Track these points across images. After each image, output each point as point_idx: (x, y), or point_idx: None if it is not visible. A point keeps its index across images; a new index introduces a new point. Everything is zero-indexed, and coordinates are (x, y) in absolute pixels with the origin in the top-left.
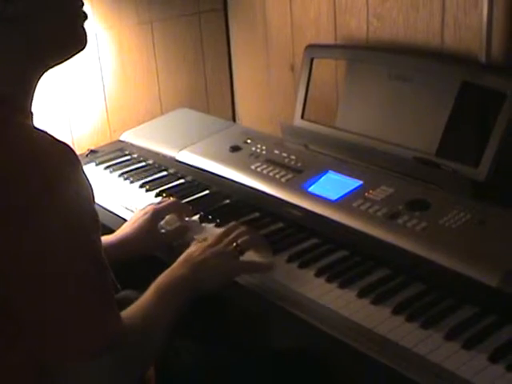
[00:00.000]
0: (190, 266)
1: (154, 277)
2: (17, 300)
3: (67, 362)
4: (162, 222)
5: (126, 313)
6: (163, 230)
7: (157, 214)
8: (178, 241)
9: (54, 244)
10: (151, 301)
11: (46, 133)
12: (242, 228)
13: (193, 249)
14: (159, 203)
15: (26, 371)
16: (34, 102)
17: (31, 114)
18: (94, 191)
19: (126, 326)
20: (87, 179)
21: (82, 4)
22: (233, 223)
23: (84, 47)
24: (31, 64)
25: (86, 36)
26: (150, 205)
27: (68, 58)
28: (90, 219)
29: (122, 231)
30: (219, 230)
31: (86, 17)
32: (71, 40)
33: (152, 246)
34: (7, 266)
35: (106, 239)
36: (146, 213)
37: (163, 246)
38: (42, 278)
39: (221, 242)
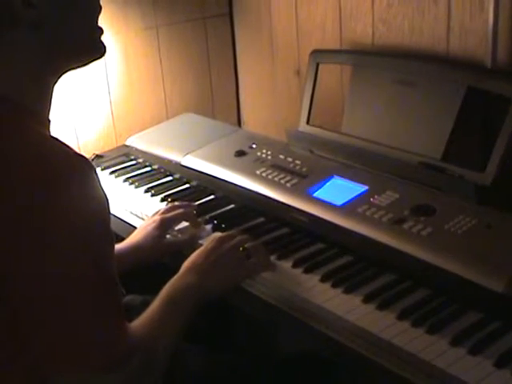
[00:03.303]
0: (197, 272)
1: (159, 281)
2: (22, 310)
3: (72, 377)
4: (176, 229)
5: (136, 324)
6: (169, 236)
7: (165, 223)
8: (189, 250)
9: (60, 252)
10: (159, 312)
11: (62, 142)
12: (243, 235)
13: (196, 253)
14: (167, 211)
15: None
16: (50, 109)
17: (48, 121)
18: (107, 196)
19: (137, 339)
20: (103, 192)
21: (100, 9)
22: (233, 231)
23: (101, 56)
24: (48, 70)
25: (104, 46)
26: (157, 212)
27: (85, 65)
28: (99, 232)
29: (131, 240)
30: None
31: (102, 31)
32: (89, 47)
33: (160, 254)
34: (13, 271)
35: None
36: (154, 221)
37: (172, 255)
38: (47, 285)
39: (224, 245)
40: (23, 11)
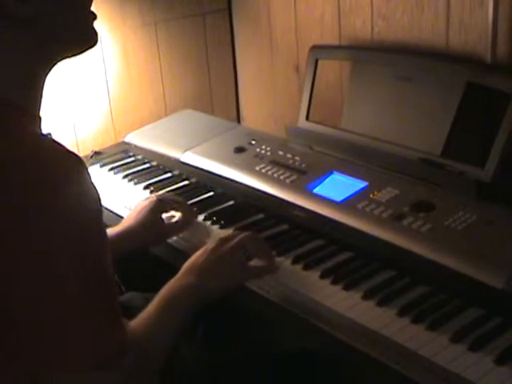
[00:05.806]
0: (196, 273)
1: (159, 279)
2: (16, 308)
3: (68, 374)
4: (171, 219)
5: (133, 323)
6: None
7: (160, 204)
8: (180, 235)
9: (56, 251)
10: (156, 312)
11: (54, 141)
12: (246, 233)
13: (197, 254)
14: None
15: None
16: (42, 106)
17: (39, 118)
18: (99, 194)
19: (132, 338)
20: (95, 190)
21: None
22: (236, 231)
23: (94, 45)
24: (41, 64)
25: (96, 34)
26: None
27: (78, 54)
28: (94, 229)
29: (127, 222)
30: (224, 232)
31: (95, 16)
32: (83, 37)
33: (155, 237)
34: (7, 272)
35: (111, 230)
36: (150, 202)
37: (165, 241)
38: (42, 285)
39: (225, 246)
40: (17, 8)
